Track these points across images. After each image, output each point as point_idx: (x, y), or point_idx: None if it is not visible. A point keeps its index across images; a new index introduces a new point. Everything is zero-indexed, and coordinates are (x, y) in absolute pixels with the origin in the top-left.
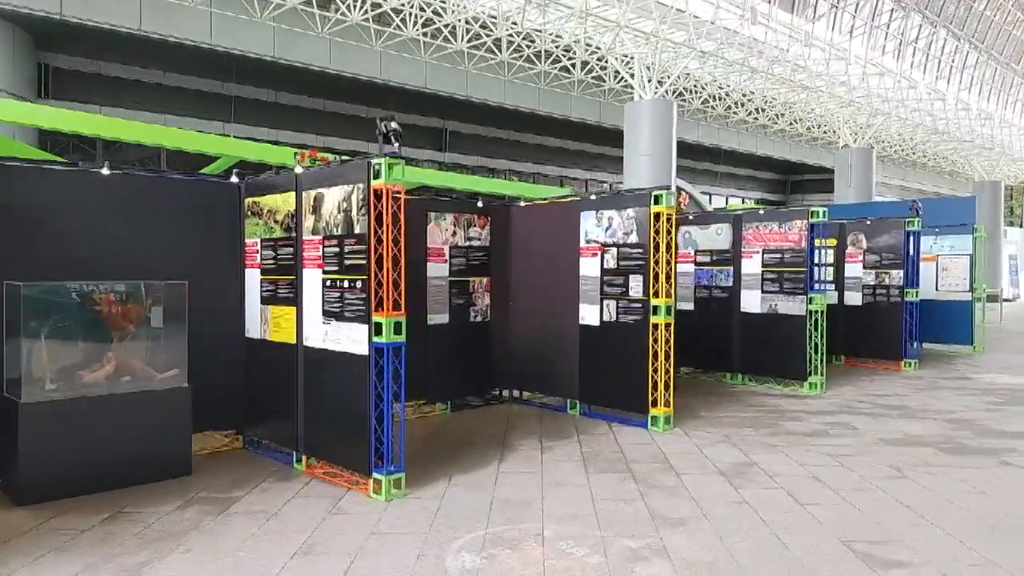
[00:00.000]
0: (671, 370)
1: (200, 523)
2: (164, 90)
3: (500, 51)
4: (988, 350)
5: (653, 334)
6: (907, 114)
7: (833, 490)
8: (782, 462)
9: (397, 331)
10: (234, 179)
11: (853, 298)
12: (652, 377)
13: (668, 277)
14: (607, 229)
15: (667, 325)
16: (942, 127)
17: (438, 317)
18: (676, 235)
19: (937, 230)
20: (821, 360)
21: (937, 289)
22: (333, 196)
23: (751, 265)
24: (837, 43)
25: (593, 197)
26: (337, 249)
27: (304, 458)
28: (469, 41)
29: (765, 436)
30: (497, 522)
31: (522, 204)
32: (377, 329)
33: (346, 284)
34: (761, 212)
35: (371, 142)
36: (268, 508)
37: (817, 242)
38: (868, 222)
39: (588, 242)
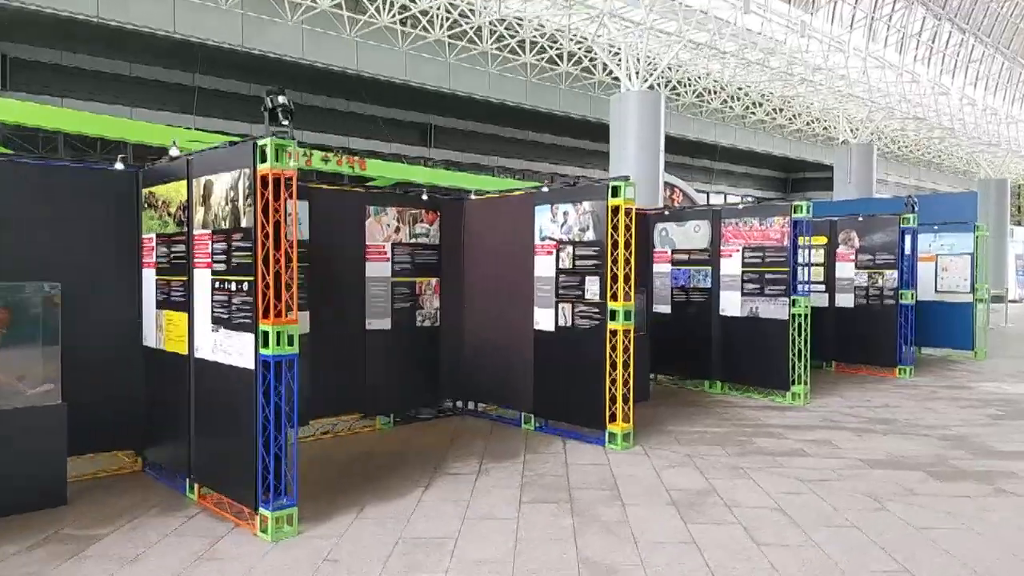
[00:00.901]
0: (631, 381)
1: (43, 570)
2: (132, 82)
3: (481, 41)
4: (991, 355)
5: (611, 341)
6: (910, 109)
7: (798, 526)
8: (746, 489)
9: (290, 342)
10: (119, 165)
11: (844, 300)
12: (610, 389)
13: (628, 278)
14: (562, 225)
15: (626, 331)
16: (946, 123)
17: (378, 322)
18: (652, 232)
19: (936, 228)
20: (805, 368)
21: (936, 290)
22: (222, 184)
23: (730, 265)
24: (836, 35)
25: (545, 189)
26: (225, 245)
27: (197, 486)
28: (449, 29)
29: (733, 456)
30: (393, 570)
31: (475, 197)
32: (265, 339)
33: (233, 286)
34: (740, 207)
35: (349, 135)
36: (131, 550)
37: (801, 240)
38: (860, 219)
39: (543, 239)
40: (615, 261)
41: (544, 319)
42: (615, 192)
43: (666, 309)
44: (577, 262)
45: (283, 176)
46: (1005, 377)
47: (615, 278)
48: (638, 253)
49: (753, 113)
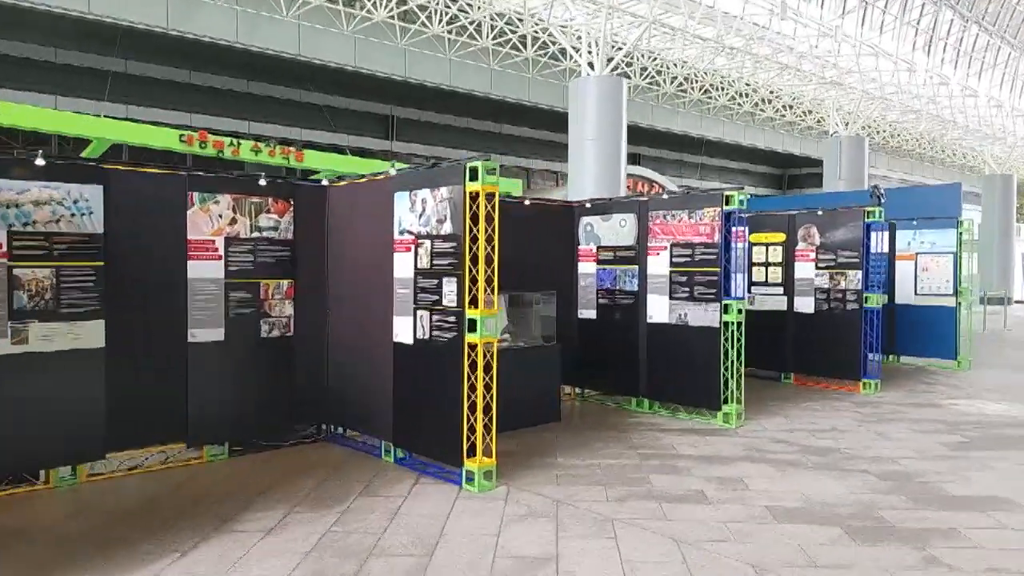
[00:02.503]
0: (494, 405)
1: None
2: (39, 66)
3: (432, 23)
4: (977, 365)
5: (469, 357)
6: (908, 100)
7: None
8: (599, 556)
9: None
10: None
11: (804, 304)
12: (468, 417)
13: (490, 280)
14: (421, 215)
15: (487, 345)
16: (947, 115)
17: (206, 332)
18: (576, 227)
19: (915, 223)
20: (738, 384)
21: (916, 293)
22: None
23: (658, 264)
24: (827, 21)
25: (392, 171)
26: None
27: None
28: (398, 7)
29: (613, 502)
30: None
31: (326, 182)
32: None
33: None
34: (665, 197)
35: (292, 125)
36: None
37: (761, 237)
38: (819, 213)
39: (402, 232)
40: (474, 259)
41: (403, 329)
42: (473, 175)
43: (591, 315)
44: (435, 261)
45: None
46: (985, 393)
47: (474, 280)
48: (563, 250)
49: (740, 104)
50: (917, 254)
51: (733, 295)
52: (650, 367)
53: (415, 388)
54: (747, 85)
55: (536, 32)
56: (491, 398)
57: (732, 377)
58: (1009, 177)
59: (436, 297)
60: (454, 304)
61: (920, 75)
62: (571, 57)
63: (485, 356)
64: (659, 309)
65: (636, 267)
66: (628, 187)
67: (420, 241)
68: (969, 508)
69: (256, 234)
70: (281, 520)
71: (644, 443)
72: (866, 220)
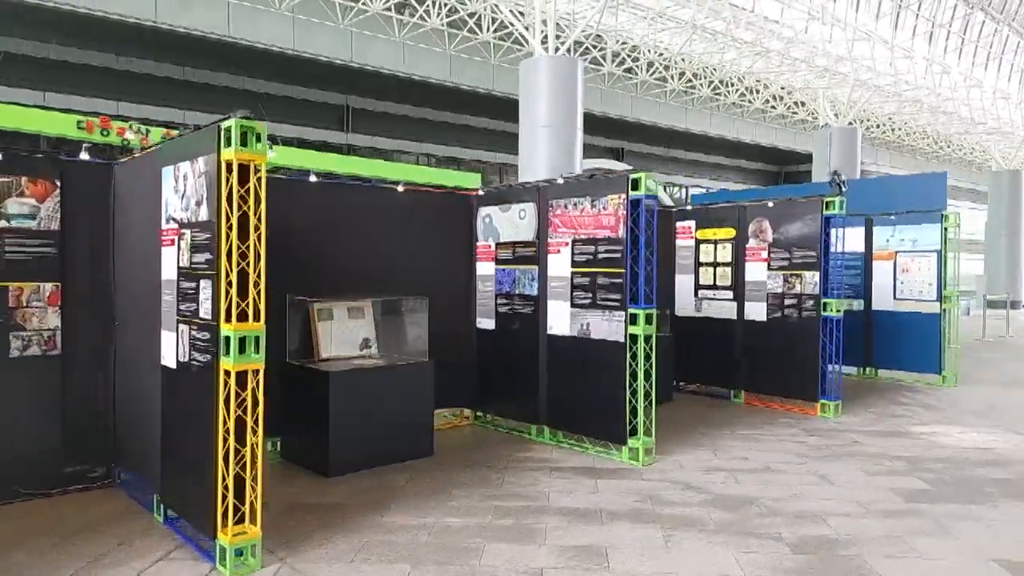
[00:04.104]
0: (262, 454)
1: None
2: None
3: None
4: (965, 379)
5: (224, 391)
6: (907, 91)
7: None
8: None
9: None
10: None
11: (755, 311)
12: (222, 472)
13: (257, 284)
14: (183, 196)
15: (254, 372)
16: (950, 107)
17: None
18: (475, 219)
19: (894, 217)
20: (647, 411)
21: (896, 297)
22: None
23: (559, 264)
24: (816, 3)
25: (130, 135)
26: None
27: None
28: None
29: None
30: None
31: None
32: None
33: None
34: (561, 182)
35: (212, 111)
36: None
37: (708, 233)
38: (770, 205)
39: (168, 220)
40: (229, 255)
41: (168, 348)
42: (228, 139)
43: (490, 324)
44: (193, 256)
45: None
46: (967, 417)
47: (232, 284)
48: (459, 248)
49: (725, 95)
50: (896, 253)
51: (642, 302)
52: (550, 389)
53: (177, 427)
54: (729, 74)
55: (492, 10)
56: (256, 444)
57: (640, 403)
58: (1017, 173)
59: (196, 306)
60: (209, 316)
61: (920, 63)
62: (527, 40)
63: (251, 387)
64: (560, 318)
65: (536, 267)
66: None
67: (182, 231)
68: None
69: (3, 224)
70: None
71: (514, 490)
72: (825, 212)
